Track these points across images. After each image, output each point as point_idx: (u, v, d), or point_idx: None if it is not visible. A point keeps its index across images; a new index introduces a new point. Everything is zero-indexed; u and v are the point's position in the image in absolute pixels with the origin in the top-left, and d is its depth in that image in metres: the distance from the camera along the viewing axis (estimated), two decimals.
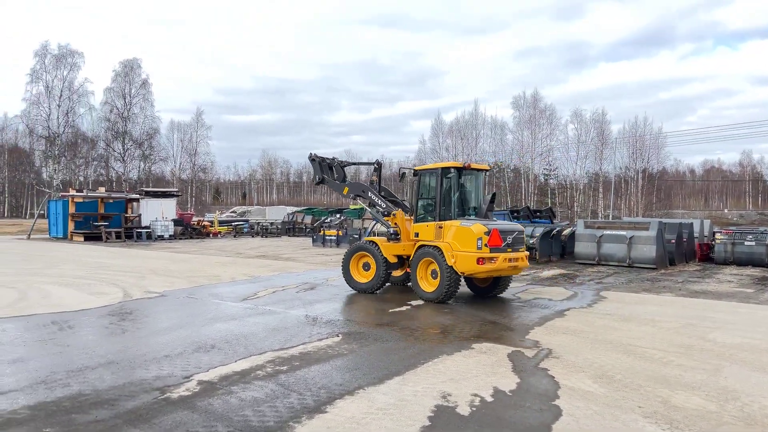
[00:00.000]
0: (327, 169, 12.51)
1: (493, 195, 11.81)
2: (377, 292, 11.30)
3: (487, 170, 11.95)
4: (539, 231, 19.32)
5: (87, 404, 4.70)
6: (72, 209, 29.25)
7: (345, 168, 12.68)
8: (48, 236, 30.71)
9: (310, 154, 12.74)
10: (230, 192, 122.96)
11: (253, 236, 35.87)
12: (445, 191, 10.69)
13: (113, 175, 51.22)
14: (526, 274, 15.22)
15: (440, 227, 10.40)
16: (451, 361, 6.27)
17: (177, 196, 38.27)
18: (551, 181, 55.76)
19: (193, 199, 62.77)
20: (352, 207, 53.12)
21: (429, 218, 10.80)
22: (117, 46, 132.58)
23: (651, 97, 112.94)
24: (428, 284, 10.44)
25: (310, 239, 32.94)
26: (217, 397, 4.92)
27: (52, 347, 6.72)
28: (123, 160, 50.34)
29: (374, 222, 27.74)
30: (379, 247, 11.11)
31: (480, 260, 9.68)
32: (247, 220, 41.13)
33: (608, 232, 17.90)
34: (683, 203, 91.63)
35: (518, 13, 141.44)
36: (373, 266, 11.22)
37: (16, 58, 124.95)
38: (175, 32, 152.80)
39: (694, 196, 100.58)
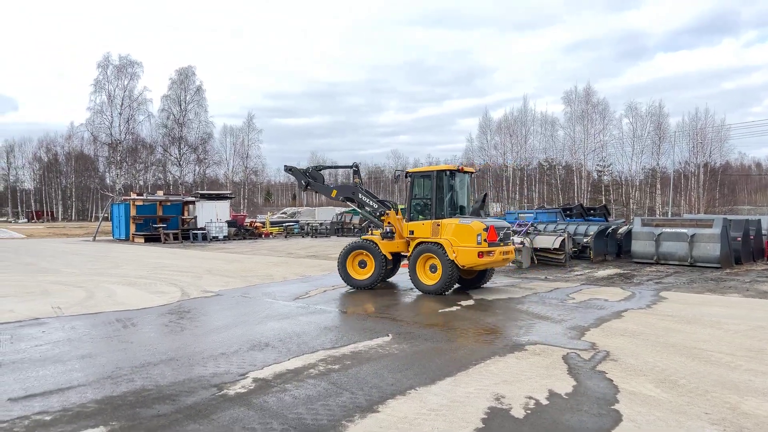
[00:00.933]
0: (306, 176, 13.26)
1: (485, 195, 13.42)
2: (376, 287, 11.91)
3: (473, 172, 12.85)
4: (593, 229, 18.74)
5: (150, 399, 4.90)
6: (133, 212, 30.64)
7: (321, 171, 13.49)
8: (111, 238, 32.29)
9: (285, 165, 13.66)
10: (280, 194, 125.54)
11: (303, 236, 36.49)
12: (440, 192, 11.52)
13: (170, 178, 53.26)
14: (580, 274, 14.78)
15: (438, 225, 11.30)
16: (504, 363, 6.16)
17: (230, 198, 39.45)
18: (605, 177, 53.93)
19: (246, 200, 64.52)
20: (400, 206, 53.27)
21: (421, 217, 11.69)
22: (168, 55, 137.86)
23: (713, 88, 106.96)
24: (428, 278, 11.24)
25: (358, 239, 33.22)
26: (272, 395, 5.03)
27: (117, 344, 7.04)
28: (179, 164, 52.32)
29: None
30: (378, 245, 11.88)
31: (480, 254, 10.68)
32: (297, 221, 41.85)
33: (667, 229, 17.13)
34: (749, 198, 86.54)
35: (569, 4, 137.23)
36: (370, 263, 12.01)
37: (82, 70, 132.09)
38: (223, 39, 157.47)
39: (760, 191, 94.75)
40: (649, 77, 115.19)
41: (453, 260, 10.72)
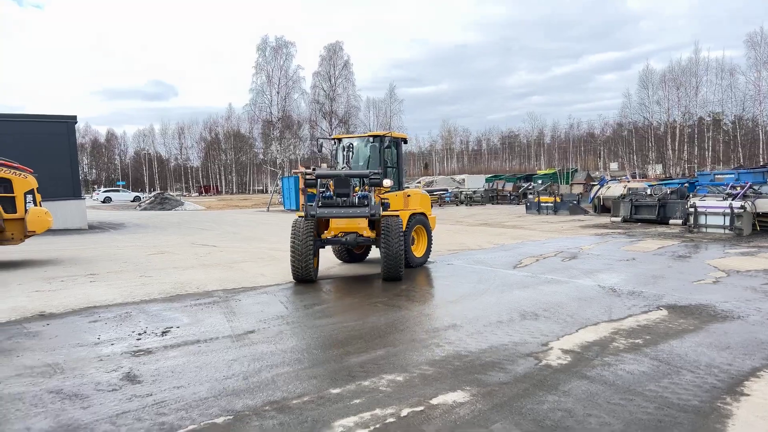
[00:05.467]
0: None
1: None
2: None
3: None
4: None
5: (477, 365, 4.89)
6: (302, 185, 32.59)
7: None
8: (283, 209, 34.81)
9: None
10: (413, 163, 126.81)
11: (457, 205, 36.35)
12: (400, 160, 11.08)
13: (324, 152, 56.01)
14: None
15: (408, 195, 11.01)
16: None
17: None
18: None
19: None
20: (540, 172, 51.06)
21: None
22: (312, 32, 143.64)
23: None
24: (417, 251, 10.79)
25: (518, 206, 32.25)
26: (600, 368, 4.76)
27: (383, 308, 7.30)
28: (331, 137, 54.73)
29: (599, 186, 25.95)
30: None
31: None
32: (446, 189, 41.81)
33: None
34: None
35: None
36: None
37: (233, 54, 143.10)
38: (354, 12, 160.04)
39: None
40: None
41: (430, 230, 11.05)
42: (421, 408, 3.98)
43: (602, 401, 4.06)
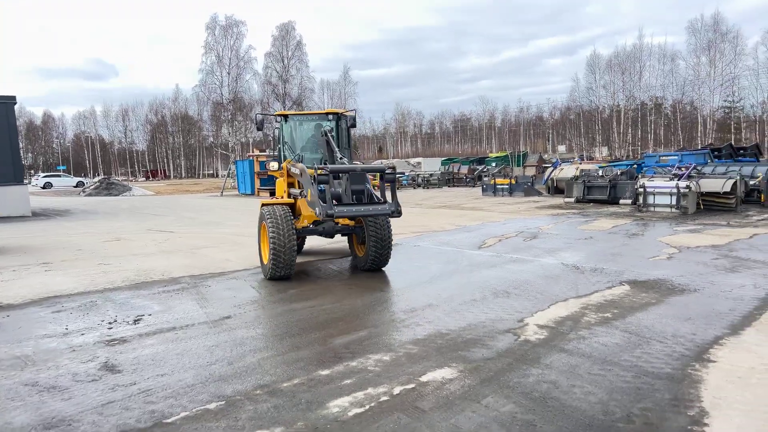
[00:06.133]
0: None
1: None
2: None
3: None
4: (762, 170, 17.12)
5: (460, 343, 5.01)
6: (257, 168, 32.02)
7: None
8: (237, 193, 34.12)
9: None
10: (366, 146, 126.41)
11: (414, 188, 36.63)
12: (348, 142, 9.71)
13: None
14: (762, 219, 13.60)
15: None
16: None
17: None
18: (736, 115, 48.95)
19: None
20: (492, 155, 52.14)
21: None
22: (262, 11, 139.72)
23: None
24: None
25: (474, 188, 32.84)
26: (576, 341, 4.97)
27: (358, 290, 7.34)
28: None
29: (552, 168, 26.66)
30: None
31: None
32: (404, 173, 41.99)
33: None
34: None
35: None
36: None
37: (177, 34, 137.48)
38: None
39: None
40: None
41: None
42: (413, 385, 4.05)
43: (583, 372, 4.25)
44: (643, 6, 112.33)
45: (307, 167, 7.49)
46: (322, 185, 6.89)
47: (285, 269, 7.73)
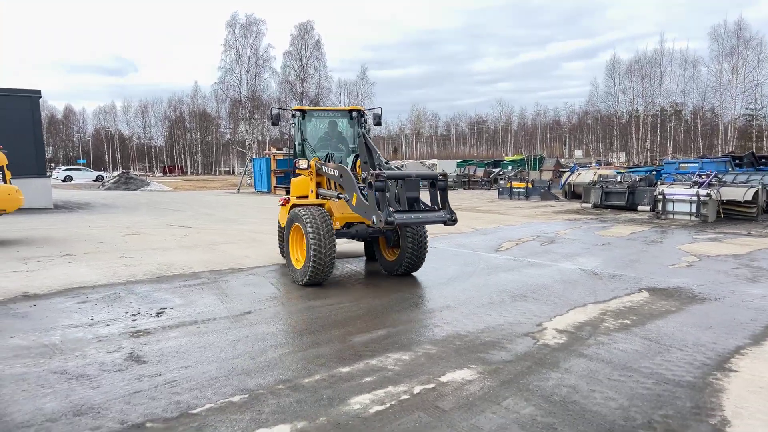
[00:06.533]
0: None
1: None
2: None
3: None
4: None
5: (478, 344, 5.04)
6: (274, 166, 32.22)
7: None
8: (254, 190, 34.37)
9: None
10: (382, 147, 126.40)
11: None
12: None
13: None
14: None
15: None
16: None
17: None
18: (757, 123, 48.15)
19: None
20: (508, 158, 51.81)
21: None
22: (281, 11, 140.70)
23: None
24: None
25: (488, 191, 32.74)
26: (595, 347, 4.97)
27: (373, 290, 7.39)
28: None
29: (569, 172, 26.45)
30: None
31: None
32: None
33: None
34: None
35: None
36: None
37: (199, 32, 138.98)
38: None
39: None
40: None
41: None
42: (432, 385, 4.09)
43: (603, 378, 4.25)
44: (665, 11, 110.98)
45: (373, 173, 6.57)
46: (366, 189, 6.56)
47: (324, 276, 7.34)
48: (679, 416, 3.59)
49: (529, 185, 25.80)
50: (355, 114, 9.26)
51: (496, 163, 46.42)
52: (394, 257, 8.37)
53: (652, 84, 53.17)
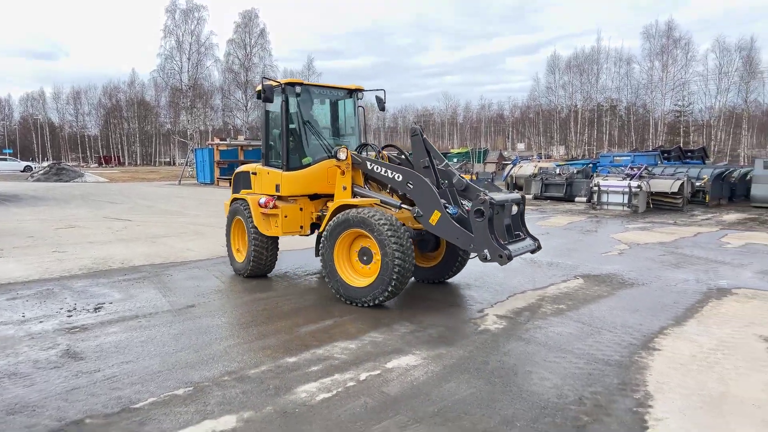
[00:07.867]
0: None
1: None
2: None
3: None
4: (707, 172, 18.04)
5: (424, 331, 5.17)
6: (217, 157, 31.45)
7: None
8: (196, 182, 33.40)
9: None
10: None
11: None
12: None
13: (238, 123, 54.08)
14: (706, 219, 14.39)
15: None
16: (728, 306, 6.15)
17: None
18: (685, 118, 51.07)
19: None
20: (453, 151, 52.83)
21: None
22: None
23: None
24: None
25: None
26: (533, 331, 5.22)
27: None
28: (246, 109, 52.90)
29: (511, 165, 27.22)
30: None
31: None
32: None
33: None
34: None
35: None
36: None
37: (134, 17, 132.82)
38: None
39: None
40: (744, 4, 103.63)
41: None
42: (378, 372, 4.19)
43: (539, 359, 4.48)
44: (601, 10, 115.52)
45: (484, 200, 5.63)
46: (473, 216, 5.60)
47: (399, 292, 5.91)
48: (606, 392, 3.85)
49: (474, 177, 26.34)
50: (360, 95, 7.93)
51: (444, 155, 47.14)
52: (433, 263, 7.19)
53: (589, 80, 55.43)
